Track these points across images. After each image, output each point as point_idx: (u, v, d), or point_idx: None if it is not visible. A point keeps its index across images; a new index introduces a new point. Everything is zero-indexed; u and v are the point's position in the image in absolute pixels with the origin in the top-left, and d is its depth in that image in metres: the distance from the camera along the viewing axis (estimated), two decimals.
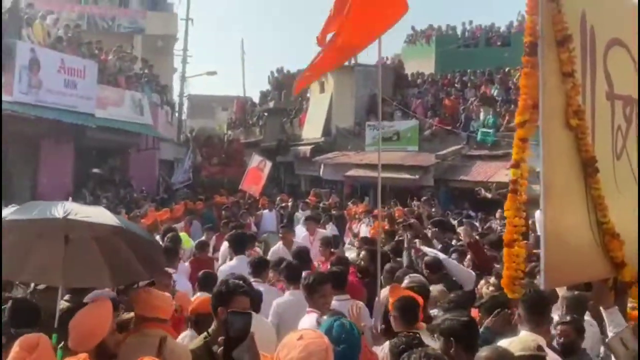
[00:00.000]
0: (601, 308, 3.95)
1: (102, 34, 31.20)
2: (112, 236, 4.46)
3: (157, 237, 10.44)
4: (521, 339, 3.82)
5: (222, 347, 3.01)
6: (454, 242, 10.14)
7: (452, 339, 3.92)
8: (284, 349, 2.91)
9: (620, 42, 4.24)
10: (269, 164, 20.77)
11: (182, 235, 11.55)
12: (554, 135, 3.68)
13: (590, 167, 3.79)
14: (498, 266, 6.28)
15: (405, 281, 6.15)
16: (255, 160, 21.06)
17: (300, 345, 2.87)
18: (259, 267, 7.02)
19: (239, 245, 8.59)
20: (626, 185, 4.23)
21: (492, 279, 5.95)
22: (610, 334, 3.82)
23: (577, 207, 3.82)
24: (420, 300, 5.12)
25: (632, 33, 4.32)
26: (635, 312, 4.44)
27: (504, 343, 3.67)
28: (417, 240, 8.97)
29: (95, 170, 25.06)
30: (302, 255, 7.87)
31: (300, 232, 12.43)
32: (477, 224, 13.99)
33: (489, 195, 16.33)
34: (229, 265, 8.16)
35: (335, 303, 5.57)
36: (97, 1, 34.11)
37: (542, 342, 3.87)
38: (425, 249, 8.45)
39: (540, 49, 3.66)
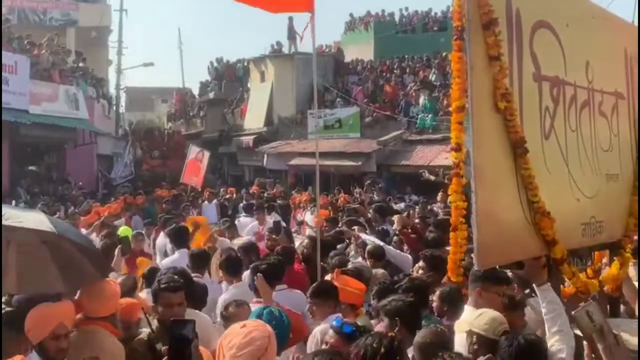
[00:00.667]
0: (534, 285, 4.04)
1: (33, 27, 30.33)
2: (58, 239, 4.33)
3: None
4: (492, 318, 3.85)
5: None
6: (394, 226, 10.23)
7: (397, 319, 4.04)
8: (227, 337, 2.94)
9: (546, 24, 4.31)
10: (207, 154, 20.55)
11: (123, 228, 11.38)
12: (483, 118, 3.72)
13: (520, 148, 3.85)
14: (425, 251, 6.36)
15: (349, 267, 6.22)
16: (193, 151, 20.81)
17: (243, 332, 2.91)
18: (200, 260, 6.93)
19: (180, 238, 8.46)
20: (555, 164, 4.32)
21: (421, 263, 6.04)
22: (543, 310, 3.92)
23: (508, 187, 3.88)
24: (358, 285, 5.18)
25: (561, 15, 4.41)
26: (569, 289, 4.57)
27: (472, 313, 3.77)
28: (355, 227, 9.02)
29: (31, 167, 24.43)
30: (249, 250, 7.79)
31: (246, 222, 12.39)
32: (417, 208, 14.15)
33: (432, 178, 16.53)
34: (170, 259, 8.03)
35: (274, 294, 5.57)
36: None
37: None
38: (364, 236, 8.52)
39: (467, 33, 3.70)
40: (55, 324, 3.90)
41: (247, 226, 11.86)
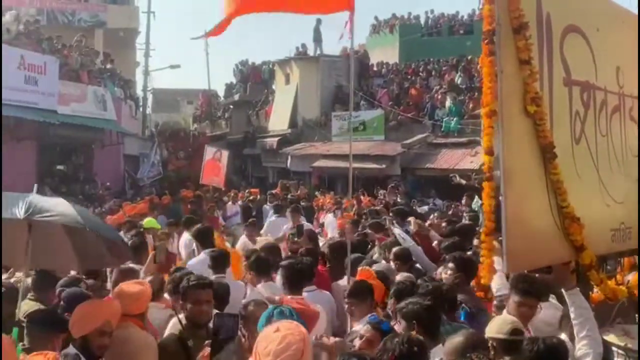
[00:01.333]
0: (563, 290, 4.03)
1: (62, 28, 30.70)
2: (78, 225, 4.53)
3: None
4: (502, 320, 3.92)
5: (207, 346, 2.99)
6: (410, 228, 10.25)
7: (414, 322, 4.04)
8: (261, 342, 2.91)
9: (576, 29, 4.31)
10: (225, 153, 20.57)
11: (148, 220, 11.55)
12: (513, 122, 3.72)
13: (549, 153, 3.84)
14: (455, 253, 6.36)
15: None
16: (210, 152, 20.82)
17: (278, 337, 2.88)
18: (221, 260, 6.96)
19: (205, 239, 8.52)
20: (585, 169, 4.31)
21: (450, 264, 6.02)
22: (572, 315, 3.91)
23: (537, 191, 3.88)
24: (377, 284, 5.22)
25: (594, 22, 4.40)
26: (597, 296, 4.54)
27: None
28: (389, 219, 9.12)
29: (59, 167, 24.72)
30: (271, 251, 7.83)
31: (278, 222, 12.48)
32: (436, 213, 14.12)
33: (463, 182, 16.43)
34: (197, 259, 8.08)
35: (305, 294, 5.62)
36: None
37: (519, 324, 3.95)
38: (397, 231, 8.55)
39: (498, 37, 3.70)
40: (103, 320, 4.03)
41: (280, 226, 11.91)
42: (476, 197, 13.54)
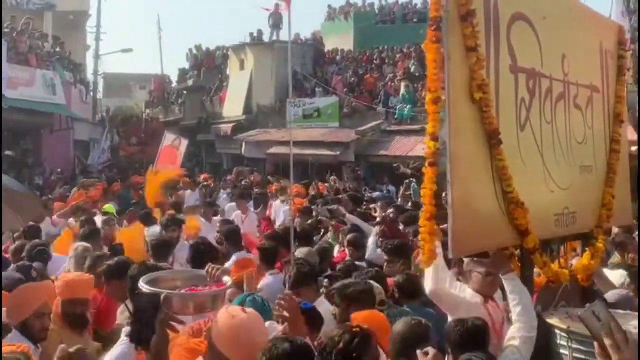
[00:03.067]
0: (500, 275, 4.14)
1: (10, 11, 29.85)
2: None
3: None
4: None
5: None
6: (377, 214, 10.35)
7: (350, 304, 4.08)
8: (218, 332, 2.94)
9: (523, 17, 4.35)
10: (184, 142, 20.34)
11: (108, 206, 11.45)
12: (460, 109, 3.76)
13: (494, 139, 3.89)
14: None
15: None
16: (169, 138, 20.55)
17: (234, 323, 2.93)
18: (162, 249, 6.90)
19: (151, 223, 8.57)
20: (530, 155, 4.37)
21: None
22: (510, 298, 4.01)
23: (483, 177, 3.93)
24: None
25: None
26: (540, 279, 4.63)
27: None
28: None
29: (7, 152, 24.14)
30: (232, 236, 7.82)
31: (232, 207, 12.48)
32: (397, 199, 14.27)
33: (408, 172, 16.63)
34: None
35: (270, 277, 5.79)
36: None
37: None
38: (350, 217, 8.66)
39: (445, 24, 3.72)
40: (40, 303, 4.01)
41: (232, 215, 11.88)
42: (413, 183, 13.82)
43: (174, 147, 20.11)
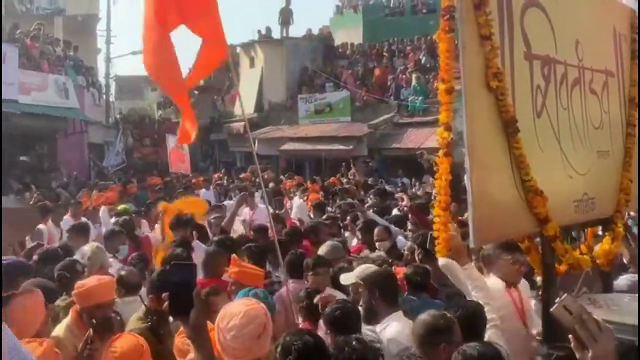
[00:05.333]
0: (459, 265, 4.20)
1: (20, 17, 30.07)
2: None
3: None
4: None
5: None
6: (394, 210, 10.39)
7: (375, 289, 4.20)
8: (223, 320, 2.97)
9: (536, 3, 4.34)
10: None
11: (123, 206, 11.53)
12: (475, 98, 3.75)
13: (511, 127, 3.88)
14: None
15: None
16: (172, 140, 20.78)
17: (240, 312, 2.95)
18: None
19: None
20: (547, 142, 4.36)
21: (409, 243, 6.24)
22: (469, 287, 4.13)
23: (501, 166, 3.92)
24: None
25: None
26: (562, 267, 4.62)
27: None
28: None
29: (22, 157, 24.32)
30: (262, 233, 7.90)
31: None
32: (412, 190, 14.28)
33: (433, 157, 16.54)
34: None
35: None
36: None
37: None
38: (370, 214, 8.71)
39: (458, 13, 3.72)
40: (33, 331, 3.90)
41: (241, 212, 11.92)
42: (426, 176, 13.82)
43: (178, 147, 20.25)
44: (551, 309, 2.33)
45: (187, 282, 2.70)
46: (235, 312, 2.96)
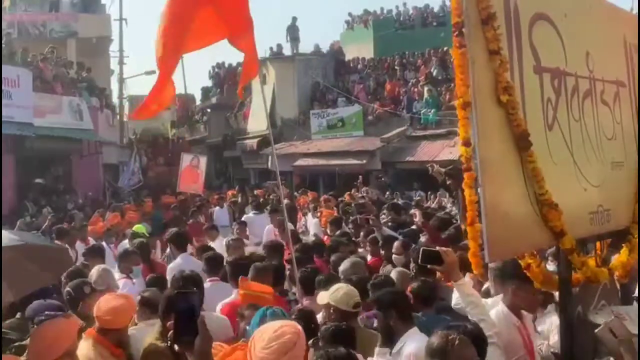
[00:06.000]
0: (452, 282, 4.19)
1: (33, 40, 30.42)
2: (7, 252, 4.20)
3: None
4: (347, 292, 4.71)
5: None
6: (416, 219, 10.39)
7: (391, 310, 4.22)
8: (259, 332, 3.08)
9: (544, 16, 4.32)
10: (203, 160, 20.52)
11: (138, 226, 11.57)
12: (486, 112, 3.73)
13: (523, 141, 3.85)
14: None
15: None
16: (187, 159, 20.73)
17: (274, 327, 3.06)
18: (215, 263, 6.96)
19: (180, 243, 8.61)
20: (560, 155, 4.33)
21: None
22: (463, 303, 4.13)
23: (515, 180, 3.89)
24: (263, 288, 5.53)
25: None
26: (578, 277, 4.57)
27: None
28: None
29: (38, 180, 24.51)
30: (275, 250, 7.91)
31: (253, 218, 12.56)
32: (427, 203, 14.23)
33: (442, 170, 16.48)
34: (175, 264, 8.12)
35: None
36: (25, 8, 32.92)
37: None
38: (386, 230, 8.69)
39: (467, 28, 3.72)
40: (72, 341, 3.91)
41: (254, 222, 11.99)
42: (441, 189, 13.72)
43: (192, 166, 20.26)
44: (596, 330, 2.31)
45: (190, 310, 2.74)
46: (271, 327, 3.06)
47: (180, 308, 2.79)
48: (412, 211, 10.55)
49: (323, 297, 4.89)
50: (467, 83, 3.81)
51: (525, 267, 4.51)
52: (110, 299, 4.61)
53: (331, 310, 4.64)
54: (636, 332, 3.74)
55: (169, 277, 7.18)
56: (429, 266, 4.45)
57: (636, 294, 5.43)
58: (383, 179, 18.59)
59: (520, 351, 4.43)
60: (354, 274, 6.02)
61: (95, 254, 8.43)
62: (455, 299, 4.76)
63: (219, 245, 9.90)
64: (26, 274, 4.39)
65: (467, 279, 4.82)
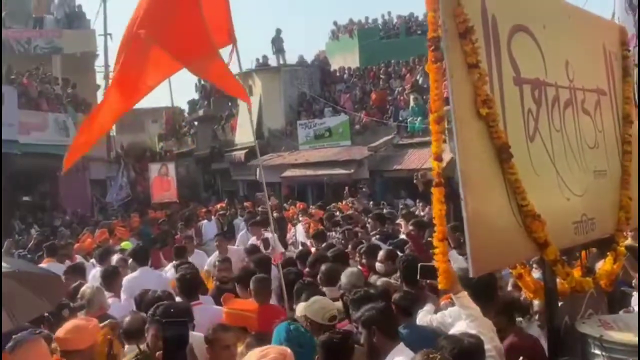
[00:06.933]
0: (451, 295, 4.21)
1: (18, 57, 30.26)
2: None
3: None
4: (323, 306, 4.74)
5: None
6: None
7: (373, 327, 4.15)
8: (247, 357, 3.11)
9: (523, 28, 4.34)
10: (171, 166, 20.52)
11: (126, 243, 11.50)
12: (466, 126, 3.74)
13: (505, 153, 3.86)
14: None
15: None
16: (154, 169, 20.68)
17: (262, 349, 3.11)
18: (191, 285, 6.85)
19: (142, 257, 8.64)
20: (542, 166, 4.34)
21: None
22: (463, 315, 4.15)
23: (497, 192, 3.89)
24: (248, 306, 5.58)
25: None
26: (563, 288, 4.57)
27: None
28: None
29: (24, 198, 24.35)
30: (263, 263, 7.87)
31: (245, 238, 12.45)
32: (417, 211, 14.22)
33: (421, 186, 16.50)
34: (131, 276, 8.16)
35: None
36: (4, 23, 32.65)
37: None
38: (375, 242, 8.68)
39: (444, 43, 3.72)
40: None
41: (246, 242, 11.92)
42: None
43: (162, 175, 20.16)
44: None
45: (179, 339, 2.73)
46: (258, 350, 3.11)
47: (169, 337, 2.79)
48: (398, 221, 10.50)
49: (300, 309, 4.88)
50: (442, 98, 3.82)
51: (516, 276, 4.52)
52: (73, 321, 4.61)
53: (307, 323, 4.59)
54: (624, 340, 3.74)
55: (124, 288, 7.57)
56: (428, 281, 4.45)
57: (632, 302, 5.42)
58: (364, 189, 18.58)
59: None
60: (353, 285, 5.99)
61: (76, 272, 8.34)
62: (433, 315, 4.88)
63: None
64: (23, 301, 4.31)
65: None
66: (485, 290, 4.44)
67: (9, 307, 4.19)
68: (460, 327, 4.14)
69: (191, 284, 6.47)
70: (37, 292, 4.36)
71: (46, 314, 5.42)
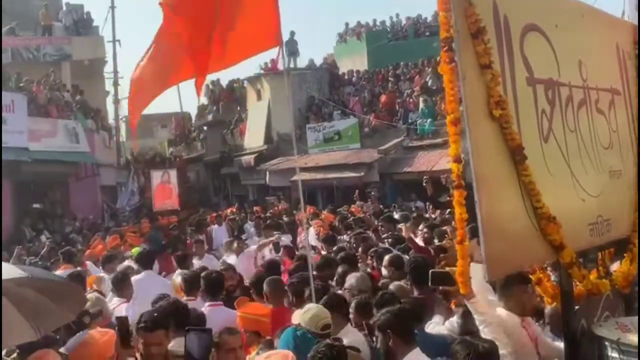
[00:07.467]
0: (465, 301, 4.15)
1: (27, 64, 30.41)
2: (17, 288, 4.05)
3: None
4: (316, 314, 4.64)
5: None
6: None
7: (389, 331, 4.16)
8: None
9: (535, 28, 4.29)
10: (173, 173, 20.45)
11: (136, 249, 11.52)
12: (480, 127, 3.69)
13: (518, 155, 3.81)
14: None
15: None
16: (156, 176, 20.61)
17: (267, 353, 3.24)
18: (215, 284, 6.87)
19: (146, 261, 8.80)
20: (557, 167, 4.28)
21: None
22: (477, 321, 4.11)
23: (511, 195, 3.84)
24: (261, 310, 5.56)
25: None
26: (580, 290, 4.51)
27: None
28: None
29: (35, 205, 24.41)
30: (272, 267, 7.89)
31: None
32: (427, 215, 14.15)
33: (430, 189, 16.41)
34: (137, 277, 8.26)
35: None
36: (14, 31, 32.81)
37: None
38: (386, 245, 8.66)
39: (456, 44, 3.68)
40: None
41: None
42: None
43: (164, 182, 20.11)
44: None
45: (202, 350, 2.72)
46: (264, 354, 3.23)
47: (191, 348, 2.78)
48: (399, 226, 10.42)
49: (295, 316, 4.86)
50: (457, 99, 3.76)
51: (536, 281, 4.46)
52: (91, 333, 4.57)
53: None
54: None
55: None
56: (440, 287, 4.41)
57: None
58: (372, 193, 18.53)
59: (527, 346, 4.40)
60: (359, 289, 5.97)
61: (75, 280, 8.32)
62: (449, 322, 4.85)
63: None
64: (44, 310, 4.24)
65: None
66: None
67: (30, 316, 4.18)
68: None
69: (215, 284, 6.64)
70: (56, 301, 4.27)
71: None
